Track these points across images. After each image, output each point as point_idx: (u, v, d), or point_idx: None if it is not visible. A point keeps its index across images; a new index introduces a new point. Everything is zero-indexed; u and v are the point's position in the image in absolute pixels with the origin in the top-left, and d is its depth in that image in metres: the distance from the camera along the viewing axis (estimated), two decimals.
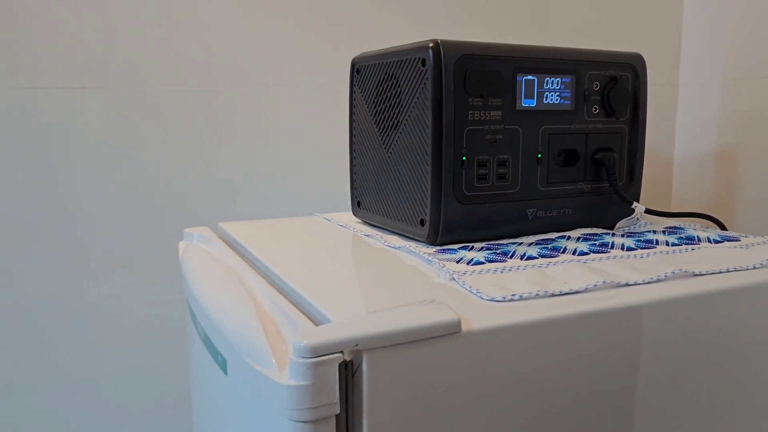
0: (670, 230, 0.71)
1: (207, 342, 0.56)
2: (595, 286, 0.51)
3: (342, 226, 0.78)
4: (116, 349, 0.90)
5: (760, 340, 0.55)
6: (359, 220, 0.80)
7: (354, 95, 0.77)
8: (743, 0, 0.85)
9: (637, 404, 0.50)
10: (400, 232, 0.70)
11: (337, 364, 0.39)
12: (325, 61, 0.90)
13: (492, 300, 0.48)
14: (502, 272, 0.55)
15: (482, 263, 0.57)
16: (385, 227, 0.74)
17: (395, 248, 0.65)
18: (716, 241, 0.66)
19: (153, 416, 0.92)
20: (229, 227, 0.79)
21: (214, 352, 0.54)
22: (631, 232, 0.70)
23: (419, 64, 0.63)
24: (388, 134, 0.70)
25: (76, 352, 0.89)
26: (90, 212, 0.86)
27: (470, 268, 0.56)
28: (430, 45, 0.62)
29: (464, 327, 0.43)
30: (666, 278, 0.54)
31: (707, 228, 0.73)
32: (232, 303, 0.52)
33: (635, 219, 0.71)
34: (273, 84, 0.89)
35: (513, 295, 0.48)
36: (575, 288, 0.50)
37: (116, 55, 0.84)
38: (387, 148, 0.70)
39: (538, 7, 0.98)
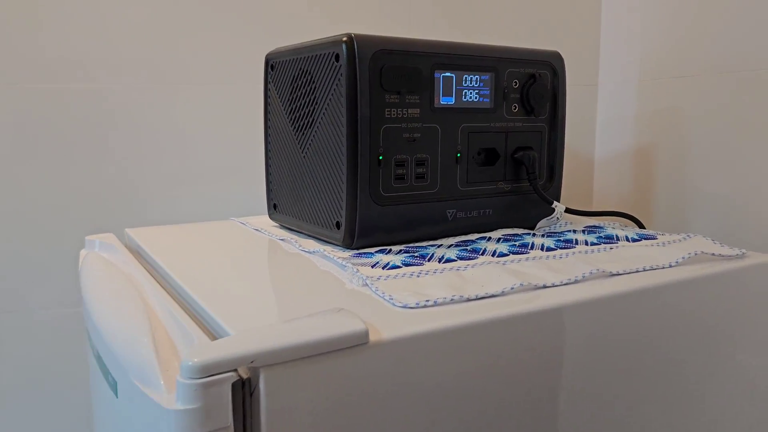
0: (590, 229, 0.71)
1: (99, 361, 0.51)
2: (512, 288, 0.49)
3: (257, 230, 0.74)
4: (8, 367, 0.83)
5: (676, 337, 0.55)
6: (276, 224, 0.76)
7: (269, 93, 0.73)
8: (658, 1, 0.86)
9: (559, 408, 0.49)
10: (316, 236, 0.67)
11: (230, 384, 0.36)
12: (241, 57, 0.86)
13: (405, 306, 0.46)
14: (418, 276, 0.52)
15: (398, 267, 0.55)
16: (301, 231, 0.70)
17: (309, 253, 0.62)
18: (634, 240, 0.66)
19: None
20: (135, 233, 0.74)
21: (105, 372, 0.49)
22: (551, 232, 0.70)
23: (333, 59, 0.60)
24: (303, 133, 0.67)
25: None
26: None
27: (385, 272, 0.53)
28: (344, 39, 0.59)
29: (373, 337, 0.40)
30: (584, 279, 0.53)
31: (626, 227, 0.74)
32: (124, 320, 0.47)
33: (555, 219, 0.71)
34: (185, 82, 0.84)
35: (427, 300, 0.46)
36: (492, 291, 0.48)
37: (14, 50, 0.77)
38: (302, 147, 0.67)
39: (460, 5, 0.96)
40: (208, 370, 0.35)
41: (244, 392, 0.38)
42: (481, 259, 0.58)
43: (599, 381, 0.51)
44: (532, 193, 0.72)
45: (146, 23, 0.82)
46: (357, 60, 0.58)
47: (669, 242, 0.65)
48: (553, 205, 0.71)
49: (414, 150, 0.63)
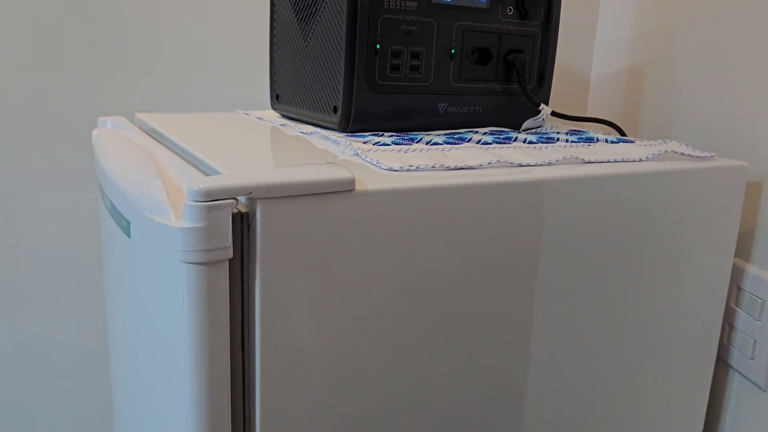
0: (573, 132, 0.75)
1: (114, 211, 0.57)
2: (489, 164, 0.54)
3: (260, 119, 0.78)
4: (26, 248, 0.89)
5: (640, 225, 0.60)
6: (278, 114, 0.80)
7: None
8: None
9: (522, 273, 0.54)
10: (314, 122, 0.71)
11: (230, 210, 0.41)
12: None
13: (390, 169, 0.50)
14: (405, 152, 0.57)
15: (388, 145, 0.59)
16: (301, 118, 0.75)
17: (306, 134, 0.66)
18: (613, 142, 0.70)
19: (71, 311, 0.93)
20: (146, 116, 0.78)
21: (119, 218, 0.54)
22: (536, 132, 0.74)
23: None
24: (306, 23, 0.70)
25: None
26: None
27: (375, 147, 0.58)
28: None
29: (359, 187, 0.45)
30: (557, 162, 0.57)
31: (608, 134, 0.78)
32: (136, 169, 0.52)
33: (541, 120, 0.75)
34: None
35: (410, 166, 0.51)
36: (470, 164, 0.53)
37: None
38: (305, 37, 0.71)
39: None
40: (212, 195, 0.40)
41: (242, 225, 0.43)
42: (466, 144, 0.62)
43: (562, 258, 0.56)
44: (522, 96, 0.75)
45: None
46: None
47: (645, 145, 0.69)
48: (540, 107, 0.75)
49: (410, 42, 0.67)
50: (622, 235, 0.60)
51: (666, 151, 0.63)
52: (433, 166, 0.51)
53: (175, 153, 0.60)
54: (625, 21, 0.98)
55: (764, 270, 0.71)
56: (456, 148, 0.60)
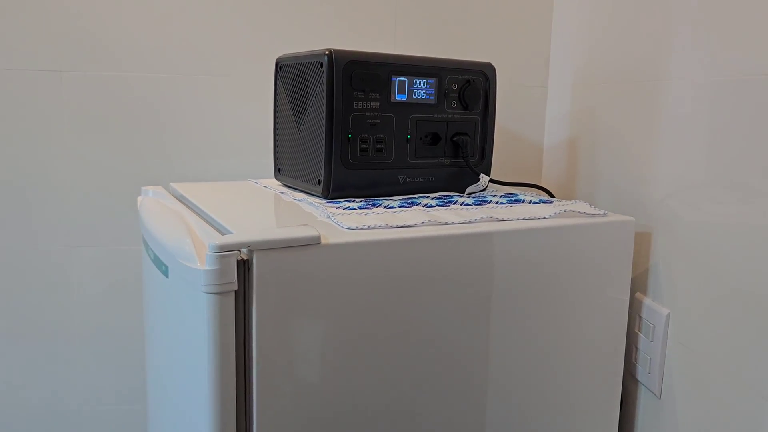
0: (506, 195, 0.96)
1: (155, 260, 0.79)
2: (423, 223, 0.75)
3: (266, 187, 1.01)
4: (79, 293, 1.11)
5: (548, 267, 0.81)
6: (280, 183, 1.03)
7: (277, 86, 1.00)
8: (591, 20, 1.10)
9: (444, 309, 0.75)
10: (306, 190, 0.94)
11: (236, 258, 0.63)
12: (260, 57, 1.13)
13: (348, 228, 0.72)
14: (365, 215, 0.79)
15: (354, 210, 0.81)
16: (296, 187, 0.97)
17: (298, 200, 0.89)
18: (535, 203, 0.91)
19: (111, 365, 1.14)
20: (179, 186, 1.02)
21: (159, 264, 0.77)
22: (476, 195, 0.95)
23: (319, 66, 0.87)
24: (300, 117, 0.93)
25: (47, 297, 1.10)
26: (61, 182, 1.07)
27: (344, 211, 0.80)
28: (326, 52, 0.85)
29: (323, 241, 0.67)
30: (476, 221, 0.79)
31: (539, 195, 0.99)
32: (173, 228, 0.74)
33: (481, 186, 0.96)
34: (221, 74, 1.11)
35: (363, 225, 0.73)
36: (409, 223, 0.75)
37: (90, 41, 1.04)
38: (298, 127, 0.94)
39: (437, 24, 1.22)
40: (223, 248, 0.62)
41: (245, 267, 0.65)
42: (414, 208, 0.84)
43: (473, 297, 0.77)
44: (466, 167, 0.97)
45: (198, 26, 1.09)
46: (334, 68, 0.85)
47: (558, 206, 0.90)
48: (480, 176, 0.96)
49: (375, 131, 0.89)
50: (531, 278, 0.80)
51: (565, 210, 0.84)
52: (380, 225, 0.73)
53: (200, 216, 0.83)
54: (565, 100, 1.20)
55: (656, 301, 0.90)
56: (405, 211, 0.82)
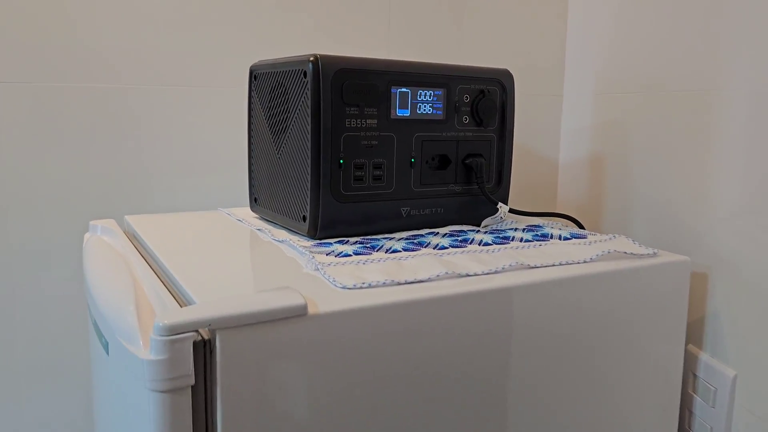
0: (530, 228, 0.80)
1: (95, 326, 0.62)
2: (438, 276, 0.59)
3: (239, 220, 0.84)
4: (21, 339, 0.93)
5: (587, 326, 0.65)
6: (256, 216, 0.86)
7: (252, 99, 0.83)
8: (614, 23, 0.95)
9: (466, 382, 0.58)
10: (287, 227, 0.77)
11: (192, 342, 0.46)
12: (232, 65, 0.96)
13: (344, 287, 0.55)
14: (364, 264, 0.62)
15: (349, 256, 0.65)
16: (276, 222, 0.80)
17: (279, 242, 0.72)
18: (565, 238, 0.75)
19: (57, 414, 0.96)
20: (133, 220, 0.84)
21: (99, 335, 0.59)
22: (495, 230, 0.79)
23: (301, 75, 0.70)
24: (279, 137, 0.76)
25: None
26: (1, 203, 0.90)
27: (336, 259, 0.63)
28: (311, 59, 0.68)
29: (311, 310, 0.50)
30: (503, 270, 0.62)
31: (565, 226, 0.83)
32: (114, 291, 0.57)
33: (499, 218, 0.80)
34: (184, 84, 0.94)
35: (363, 283, 0.56)
36: (420, 278, 0.58)
37: (27, 52, 0.87)
38: (277, 149, 0.77)
39: (436, 25, 1.06)
40: (174, 330, 0.45)
41: (205, 350, 0.48)
42: (423, 251, 0.68)
43: (507, 363, 0.60)
44: (481, 195, 0.81)
45: (148, 29, 0.92)
46: (321, 77, 0.68)
47: (595, 241, 0.74)
48: (498, 206, 0.80)
49: (371, 155, 0.73)
50: (573, 333, 0.64)
51: (610, 251, 0.68)
52: (384, 282, 0.56)
53: (153, 266, 0.65)
54: (586, 111, 1.05)
55: (715, 358, 0.74)
56: (412, 256, 0.65)
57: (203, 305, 0.48)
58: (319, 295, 0.54)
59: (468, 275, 0.60)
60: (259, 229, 0.78)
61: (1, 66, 0.87)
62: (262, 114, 0.80)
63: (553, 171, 1.16)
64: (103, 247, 0.75)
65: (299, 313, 0.50)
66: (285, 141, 0.75)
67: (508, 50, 1.10)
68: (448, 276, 0.60)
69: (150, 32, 0.92)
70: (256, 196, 0.84)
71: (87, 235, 0.83)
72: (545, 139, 1.14)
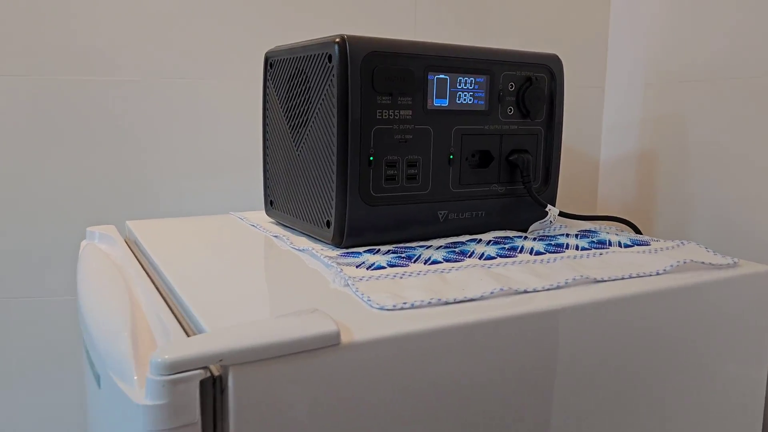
0: (583, 233, 0.71)
1: (87, 353, 0.53)
2: (492, 293, 0.49)
3: (253, 226, 0.75)
4: (12, 351, 0.85)
5: (665, 345, 0.55)
6: (272, 220, 0.77)
7: (267, 90, 0.74)
8: (665, 5, 0.85)
9: (535, 415, 0.49)
10: (309, 233, 0.68)
11: (198, 382, 0.37)
12: (244, 53, 0.87)
13: (381, 308, 0.46)
14: (401, 278, 0.53)
15: (383, 268, 0.55)
16: (294, 228, 0.71)
17: (299, 250, 0.63)
18: (626, 246, 0.66)
19: (47, 425, 0.88)
20: (135, 226, 0.75)
21: (91, 364, 0.50)
22: (543, 236, 0.70)
23: (326, 60, 0.61)
24: (298, 131, 0.67)
25: None
26: None
27: (369, 273, 0.54)
28: (336, 40, 0.59)
29: (345, 338, 0.41)
30: (566, 285, 0.53)
31: (621, 231, 0.73)
32: (108, 315, 0.48)
33: (548, 222, 0.70)
34: (196, 77, 0.85)
35: (404, 303, 0.46)
36: (471, 295, 0.49)
37: (25, 42, 0.78)
38: (297, 145, 0.68)
39: (466, 7, 0.96)
40: (176, 368, 0.36)
41: (215, 389, 0.39)
42: (468, 261, 0.58)
43: (580, 389, 0.51)
44: (527, 196, 0.71)
45: (145, 19, 0.83)
46: (349, 61, 0.59)
47: (661, 249, 0.65)
48: (547, 209, 0.71)
49: (405, 151, 0.63)
50: (645, 354, 0.54)
51: (685, 261, 0.59)
52: (429, 302, 0.47)
53: (155, 279, 0.56)
54: (633, 104, 0.95)
55: None
56: (456, 268, 0.56)
57: (213, 335, 0.38)
58: (352, 319, 0.44)
59: (527, 291, 0.51)
60: (275, 236, 0.69)
61: None
62: (279, 106, 0.71)
63: (592, 169, 1.06)
64: (99, 257, 0.66)
65: (331, 342, 0.40)
66: (306, 136, 0.66)
67: (539, 35, 1.01)
68: (504, 293, 0.50)
69: (148, 18, 0.83)
70: (272, 199, 0.75)
71: (84, 243, 0.74)
72: (584, 135, 1.04)
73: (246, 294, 0.50)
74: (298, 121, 0.67)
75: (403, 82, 0.62)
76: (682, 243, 0.67)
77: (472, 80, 0.66)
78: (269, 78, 0.73)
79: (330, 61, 0.60)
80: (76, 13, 0.80)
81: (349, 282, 0.51)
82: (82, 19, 0.80)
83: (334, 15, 0.90)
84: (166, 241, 0.68)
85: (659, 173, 0.89)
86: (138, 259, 0.64)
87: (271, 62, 0.73)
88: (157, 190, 0.87)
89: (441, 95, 0.64)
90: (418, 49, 0.63)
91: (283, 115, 0.70)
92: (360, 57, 0.59)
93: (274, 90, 0.72)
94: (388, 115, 0.62)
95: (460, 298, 0.48)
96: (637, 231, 0.76)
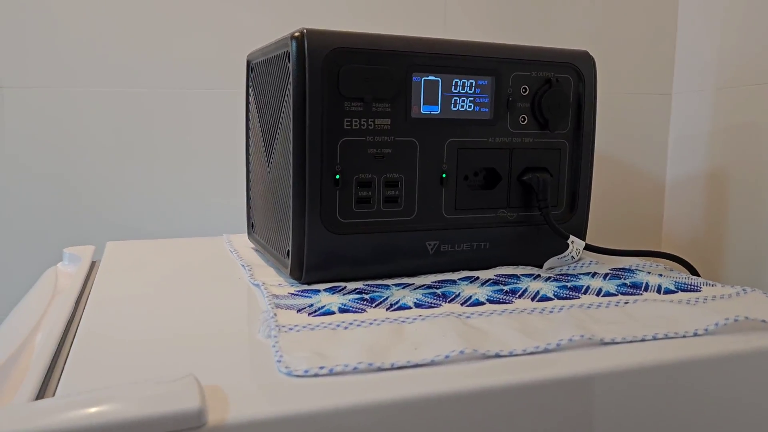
0: (615, 273, 0.56)
1: None
2: (447, 357, 0.37)
3: (232, 251, 0.66)
4: None
5: (681, 428, 0.41)
6: (252, 245, 0.68)
7: (249, 98, 0.66)
8: (739, 2, 0.69)
9: None
10: (276, 262, 0.58)
11: None
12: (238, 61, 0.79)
13: (289, 374, 0.35)
14: (346, 328, 0.42)
15: (331, 314, 0.45)
16: (268, 254, 0.62)
17: (256, 285, 0.53)
18: (667, 291, 0.51)
19: None
20: (112, 248, 0.69)
21: None
22: (563, 275, 0.56)
23: (285, 59, 0.51)
24: (269, 144, 0.58)
25: None
26: None
27: (308, 320, 0.43)
28: (295, 35, 0.50)
29: (213, 418, 0.31)
30: (558, 348, 0.40)
31: (671, 271, 0.58)
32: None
33: (569, 257, 0.57)
34: (192, 87, 0.78)
35: (321, 367, 0.36)
36: (420, 360, 0.37)
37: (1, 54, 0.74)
38: (269, 164, 0.58)
39: (510, 4, 0.84)
40: None
41: None
42: (444, 308, 0.46)
43: None
44: (545, 224, 0.58)
45: (124, 30, 0.77)
46: (306, 60, 0.49)
47: (713, 298, 0.50)
48: (569, 240, 0.57)
49: (383, 168, 0.52)
50: None
51: (737, 319, 0.44)
52: (355, 367, 0.36)
53: (77, 311, 0.49)
54: (704, 113, 0.79)
55: None
56: (423, 317, 0.44)
57: (33, 408, 0.29)
58: (245, 388, 0.34)
59: (499, 356, 0.38)
60: (244, 264, 0.60)
61: None
62: (257, 117, 0.62)
63: (657, 191, 0.90)
64: (49, 281, 0.59)
65: (190, 424, 0.30)
66: (274, 151, 0.56)
67: (590, 34, 0.86)
68: (465, 356, 0.38)
69: (128, 29, 0.77)
70: (253, 221, 0.66)
71: (58, 265, 0.69)
72: (646, 151, 0.89)
73: (147, 342, 0.41)
74: (269, 134, 0.58)
75: (379, 85, 0.51)
76: (744, 291, 0.51)
77: (472, 82, 0.54)
78: (250, 84, 0.65)
79: (288, 60, 0.50)
80: (53, 25, 0.75)
81: (273, 333, 0.41)
82: (60, 31, 0.75)
83: (362, 13, 0.80)
84: (126, 265, 0.60)
85: (732, 197, 0.73)
86: (85, 285, 0.57)
87: (252, 66, 0.64)
88: (163, 209, 0.80)
89: (430, 101, 0.53)
90: (399, 44, 0.52)
91: (259, 127, 0.62)
92: (322, 54, 0.49)
93: (254, 97, 0.64)
94: (359, 124, 0.51)
95: (402, 363, 0.37)
96: (693, 272, 0.61)
